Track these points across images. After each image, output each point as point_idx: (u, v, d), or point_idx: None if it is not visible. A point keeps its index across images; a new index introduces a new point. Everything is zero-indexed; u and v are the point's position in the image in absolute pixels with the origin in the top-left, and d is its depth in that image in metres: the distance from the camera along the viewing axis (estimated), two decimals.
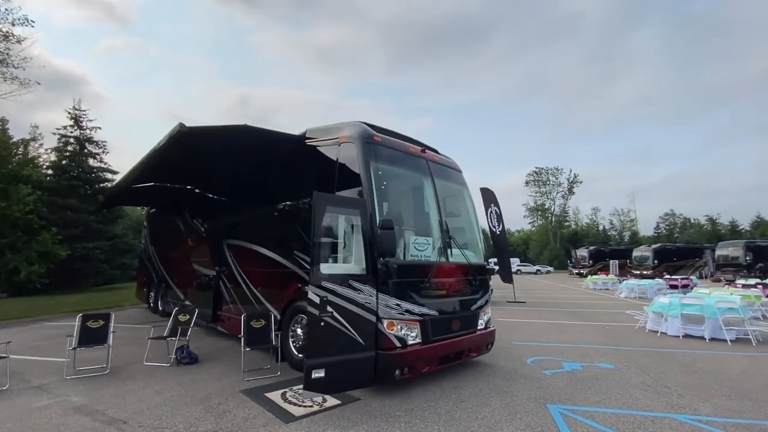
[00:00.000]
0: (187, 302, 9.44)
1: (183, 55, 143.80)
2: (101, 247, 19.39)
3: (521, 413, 4.04)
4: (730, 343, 7.47)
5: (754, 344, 7.41)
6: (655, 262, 35.77)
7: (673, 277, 21.59)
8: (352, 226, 4.54)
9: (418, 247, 5.06)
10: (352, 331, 4.20)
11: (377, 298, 4.45)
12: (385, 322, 4.45)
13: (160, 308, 11.20)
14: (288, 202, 6.41)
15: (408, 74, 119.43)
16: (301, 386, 4.71)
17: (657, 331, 8.58)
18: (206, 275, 8.51)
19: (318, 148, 5.87)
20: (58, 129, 21.47)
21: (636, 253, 39.15)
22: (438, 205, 5.52)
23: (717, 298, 8.23)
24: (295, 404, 4.23)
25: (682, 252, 37.95)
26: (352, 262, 4.51)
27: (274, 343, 5.67)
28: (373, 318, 4.38)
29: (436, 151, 6.36)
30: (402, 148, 5.59)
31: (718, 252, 33.66)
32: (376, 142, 5.22)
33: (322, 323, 4.01)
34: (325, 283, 4.09)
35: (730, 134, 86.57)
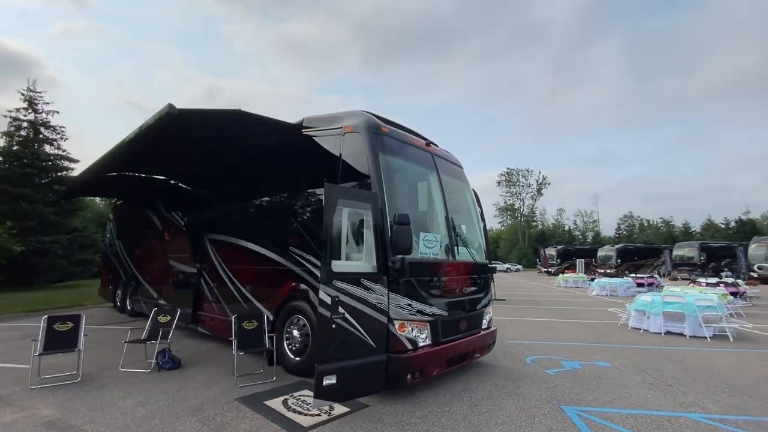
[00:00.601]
0: (161, 301, 8.82)
1: (146, 41, 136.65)
2: (59, 241, 17.88)
3: (539, 416, 3.91)
4: (709, 340, 7.76)
5: (731, 340, 7.73)
6: (618, 261, 37.63)
7: (639, 276, 22.62)
8: (363, 221, 4.26)
9: (428, 245, 4.85)
10: (364, 333, 3.93)
11: (388, 298, 4.19)
12: (397, 324, 4.21)
13: (129, 307, 10.43)
14: (282, 195, 6.00)
15: (382, 73, 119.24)
16: (303, 392, 4.43)
17: (639, 329, 8.82)
18: (185, 272, 7.93)
19: (317, 138, 5.53)
20: (9, 111, 19.68)
21: (600, 252, 41.07)
22: (444, 201, 5.33)
23: (696, 297, 8.54)
24: (300, 413, 3.90)
25: (642, 252, 40.13)
26: (362, 259, 4.23)
27: (268, 345, 5.30)
28: (384, 319, 4.12)
29: (436, 146, 6.16)
30: (408, 141, 5.34)
31: (675, 252, 35.86)
32: (384, 133, 4.94)
33: (334, 325, 3.71)
34: (336, 282, 3.79)
35: (681, 142, 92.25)
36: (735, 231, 49.78)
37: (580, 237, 70.78)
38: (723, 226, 53.87)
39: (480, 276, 5.59)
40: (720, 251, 33.32)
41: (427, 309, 4.50)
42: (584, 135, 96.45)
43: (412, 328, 4.33)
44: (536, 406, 4.19)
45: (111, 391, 4.57)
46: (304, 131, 5.72)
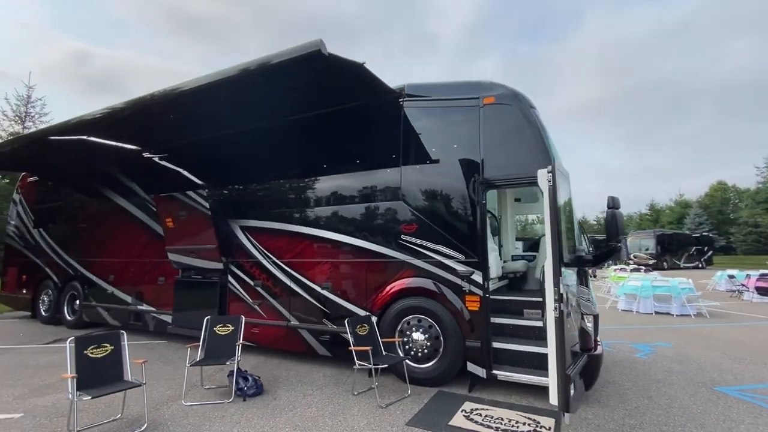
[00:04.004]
0: (143, 306, 6.89)
1: None
2: None
3: (717, 402, 3.94)
4: (693, 317, 9.01)
5: (708, 318, 9.08)
6: None
7: None
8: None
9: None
10: (575, 331, 3.45)
11: (578, 290, 3.78)
12: (586, 318, 3.82)
13: (70, 317, 7.94)
14: (381, 173, 4.95)
15: None
16: (471, 405, 3.76)
17: (631, 311, 9.84)
18: (199, 269, 6.23)
19: (432, 108, 4.77)
20: None
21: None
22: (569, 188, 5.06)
23: (679, 281, 9.84)
24: (508, 430, 3.25)
25: None
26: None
27: (384, 353, 4.41)
28: (579, 314, 3.69)
29: None
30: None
31: None
32: (535, 108, 4.45)
33: (568, 324, 3.16)
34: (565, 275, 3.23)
35: None
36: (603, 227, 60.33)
37: None
38: (594, 222, 64.73)
39: None
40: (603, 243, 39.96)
41: (594, 300, 4.20)
42: None
43: (588, 322, 3.98)
44: (699, 392, 4.22)
45: None
46: (408, 100, 4.88)
